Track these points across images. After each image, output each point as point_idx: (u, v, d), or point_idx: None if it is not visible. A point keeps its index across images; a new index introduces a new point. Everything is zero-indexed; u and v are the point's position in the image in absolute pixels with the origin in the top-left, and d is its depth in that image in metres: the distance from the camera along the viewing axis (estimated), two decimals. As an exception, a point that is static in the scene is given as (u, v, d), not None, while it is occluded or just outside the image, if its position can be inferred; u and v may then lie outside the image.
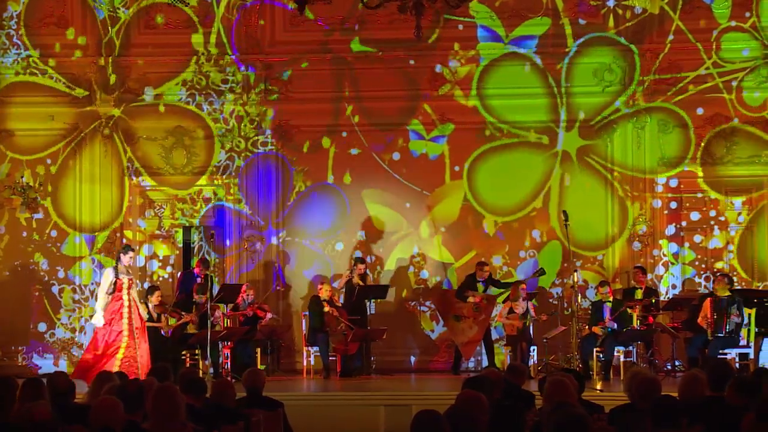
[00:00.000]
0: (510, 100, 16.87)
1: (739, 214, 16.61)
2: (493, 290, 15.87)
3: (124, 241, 16.74)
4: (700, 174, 16.65)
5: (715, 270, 16.32)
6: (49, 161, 16.94)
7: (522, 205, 16.84)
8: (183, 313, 15.38)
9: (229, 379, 13.18)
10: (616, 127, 16.71)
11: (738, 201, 16.61)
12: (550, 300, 16.64)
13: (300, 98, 16.98)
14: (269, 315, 16.03)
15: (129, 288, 14.04)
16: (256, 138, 17.06)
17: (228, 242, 16.97)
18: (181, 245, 16.86)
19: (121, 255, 14.22)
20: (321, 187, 17.05)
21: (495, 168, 16.92)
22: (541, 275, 15.95)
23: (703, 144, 16.61)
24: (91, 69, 17.01)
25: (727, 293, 14.70)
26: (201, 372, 14.42)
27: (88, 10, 17.04)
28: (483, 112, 16.86)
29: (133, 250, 14.67)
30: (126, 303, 13.99)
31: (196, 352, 15.21)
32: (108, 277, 14.06)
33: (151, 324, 15.08)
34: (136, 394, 6.82)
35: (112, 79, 16.98)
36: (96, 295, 14.27)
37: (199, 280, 15.73)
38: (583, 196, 16.65)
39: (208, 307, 14.85)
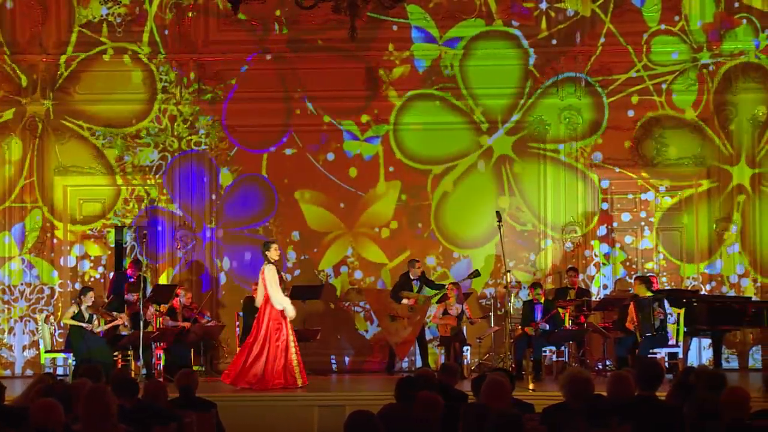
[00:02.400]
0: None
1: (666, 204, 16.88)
2: (427, 291, 15.93)
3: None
4: (631, 175, 16.86)
5: (645, 271, 16.53)
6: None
7: (430, 161, 16.99)
8: (115, 314, 15.24)
9: (161, 380, 13.09)
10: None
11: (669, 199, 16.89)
12: (482, 301, 16.75)
13: (235, 98, 16.92)
14: (207, 319, 15.95)
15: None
16: (189, 138, 16.96)
17: (161, 242, 16.84)
18: (113, 245, 16.69)
19: (267, 253, 14.04)
20: (252, 182, 17.01)
21: (426, 117, 16.99)
22: (475, 277, 16.02)
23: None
24: (20, 66, 16.80)
25: (648, 293, 14.90)
26: (133, 373, 14.31)
27: (18, 5, 16.83)
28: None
29: (275, 242, 14.44)
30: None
31: (128, 353, 15.09)
32: (274, 272, 13.92)
33: (82, 324, 14.93)
34: (63, 395, 6.74)
35: (24, 78, 16.78)
36: (261, 292, 14.03)
37: (132, 281, 15.62)
38: (470, 195, 16.80)
39: (140, 306, 14.74)
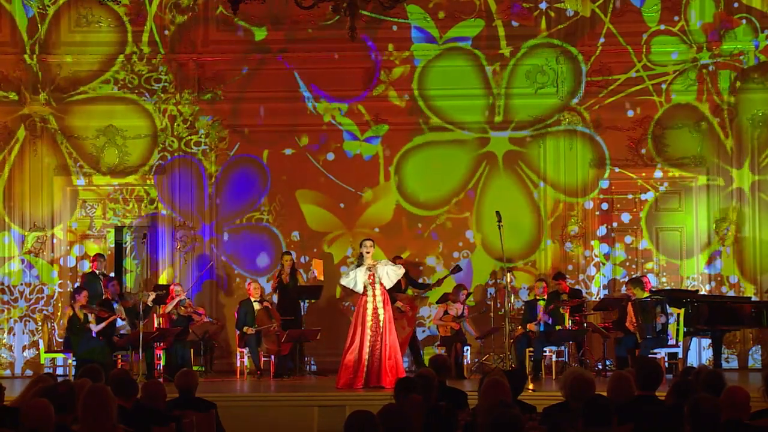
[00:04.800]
0: (448, 100, 16.99)
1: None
2: (409, 291, 15.92)
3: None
4: (631, 175, 16.86)
5: (645, 271, 16.53)
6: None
7: (447, 200, 16.97)
8: (108, 312, 15.16)
9: (161, 380, 13.08)
10: (548, 138, 16.88)
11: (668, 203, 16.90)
12: (484, 300, 16.77)
13: (234, 98, 16.93)
14: (205, 319, 15.90)
15: (373, 285, 13.78)
16: (189, 138, 16.96)
17: (161, 242, 16.84)
18: (112, 246, 16.69)
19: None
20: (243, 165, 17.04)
21: (424, 162, 17.02)
22: (457, 272, 15.98)
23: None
24: (18, 68, 16.79)
25: (645, 294, 14.91)
26: (133, 373, 14.30)
27: (6, 7, 16.81)
28: (421, 104, 16.96)
29: (369, 239, 14.18)
30: (370, 301, 13.78)
31: (127, 352, 15.08)
32: (350, 267, 14.02)
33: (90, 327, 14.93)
34: (65, 395, 6.73)
35: (40, 76, 16.76)
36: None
37: (102, 277, 15.67)
38: (507, 200, 16.77)
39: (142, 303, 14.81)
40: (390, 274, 13.84)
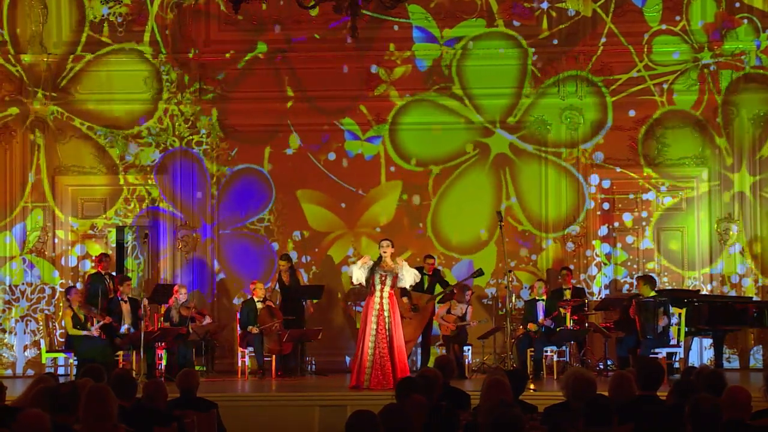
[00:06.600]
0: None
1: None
2: (437, 288, 15.91)
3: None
4: (633, 175, 16.86)
5: (646, 271, 16.53)
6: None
7: (425, 163, 17.02)
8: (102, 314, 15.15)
9: (161, 379, 13.08)
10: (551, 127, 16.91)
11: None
12: (483, 301, 16.75)
13: (235, 98, 16.93)
14: (207, 320, 15.90)
15: (382, 285, 13.73)
16: (191, 138, 16.96)
17: (162, 242, 16.84)
18: (114, 245, 16.69)
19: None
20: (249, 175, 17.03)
21: (424, 118, 17.04)
22: (479, 276, 15.98)
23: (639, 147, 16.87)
24: (23, 66, 16.80)
25: (652, 293, 14.92)
26: (134, 373, 14.30)
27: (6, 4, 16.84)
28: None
29: (386, 240, 14.08)
30: (376, 301, 13.72)
31: (128, 352, 15.08)
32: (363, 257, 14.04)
33: (84, 332, 14.89)
34: (68, 395, 6.73)
35: (25, 79, 16.79)
36: None
37: (109, 276, 15.70)
38: (472, 193, 16.83)
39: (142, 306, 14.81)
40: (409, 274, 13.85)
